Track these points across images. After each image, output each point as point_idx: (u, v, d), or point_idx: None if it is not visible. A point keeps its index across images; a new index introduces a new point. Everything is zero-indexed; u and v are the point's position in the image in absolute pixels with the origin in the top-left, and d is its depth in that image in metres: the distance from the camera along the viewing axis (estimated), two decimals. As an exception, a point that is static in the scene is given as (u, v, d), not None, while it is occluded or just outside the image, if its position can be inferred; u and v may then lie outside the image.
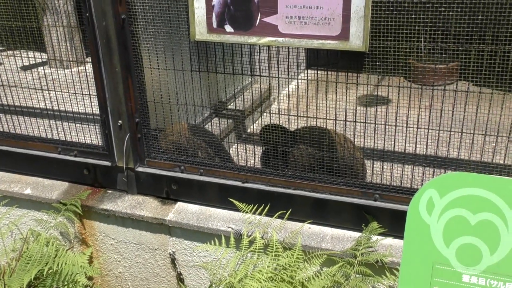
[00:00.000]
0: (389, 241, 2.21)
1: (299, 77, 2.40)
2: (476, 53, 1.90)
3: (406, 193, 2.19)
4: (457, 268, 1.52)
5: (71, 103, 2.77)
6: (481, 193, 1.49)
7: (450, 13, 1.85)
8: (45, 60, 3.68)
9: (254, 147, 2.74)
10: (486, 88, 2.00)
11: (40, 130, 2.87)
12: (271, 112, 2.50)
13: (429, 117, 2.15)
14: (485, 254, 1.49)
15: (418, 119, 2.17)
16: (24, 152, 2.86)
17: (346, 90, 2.21)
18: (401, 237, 1.58)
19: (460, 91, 2.07)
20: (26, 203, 2.81)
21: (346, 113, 2.27)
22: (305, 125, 2.49)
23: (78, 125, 2.78)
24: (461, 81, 2.13)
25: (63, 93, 2.76)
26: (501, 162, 2.17)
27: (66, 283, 2.40)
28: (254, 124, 3.73)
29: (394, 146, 2.30)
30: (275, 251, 2.18)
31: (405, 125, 2.22)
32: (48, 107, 2.84)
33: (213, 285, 2.33)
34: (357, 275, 2.12)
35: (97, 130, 2.77)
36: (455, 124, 2.15)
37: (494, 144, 2.18)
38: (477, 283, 1.49)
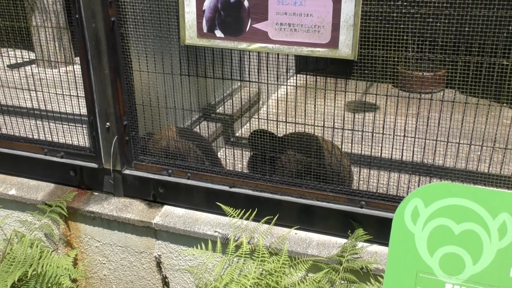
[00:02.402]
0: (375, 248, 2.23)
1: (288, 82, 2.41)
2: (462, 64, 1.93)
3: (392, 201, 2.21)
4: (440, 277, 1.54)
5: (58, 104, 2.75)
6: (465, 203, 1.51)
7: (438, 24, 1.87)
8: (33, 59, 3.65)
9: (242, 151, 2.74)
10: (472, 97, 2.03)
11: (26, 130, 2.84)
12: (260, 117, 2.51)
13: (416, 125, 2.17)
14: (468, 264, 1.51)
15: (405, 127, 2.20)
16: (9, 153, 2.83)
17: (335, 97, 2.23)
18: (387, 244, 1.60)
19: (447, 101, 2.10)
20: (11, 204, 2.78)
21: (334, 120, 2.29)
22: (293, 131, 2.50)
23: (65, 126, 2.76)
24: (447, 89, 2.16)
25: (50, 93, 2.74)
26: (486, 171, 2.20)
27: (50, 285, 2.38)
28: (243, 129, 3.74)
29: (381, 153, 2.32)
30: (261, 256, 2.19)
31: (392, 133, 2.24)
32: (35, 107, 2.82)
33: (199, 290, 2.33)
34: (342, 282, 2.14)
35: (84, 131, 2.75)
36: (441, 133, 2.18)
37: (479, 153, 2.22)
38: (460, 292, 1.51)
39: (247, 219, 2.36)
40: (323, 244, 2.29)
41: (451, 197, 1.52)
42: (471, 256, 1.51)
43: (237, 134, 3.63)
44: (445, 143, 2.18)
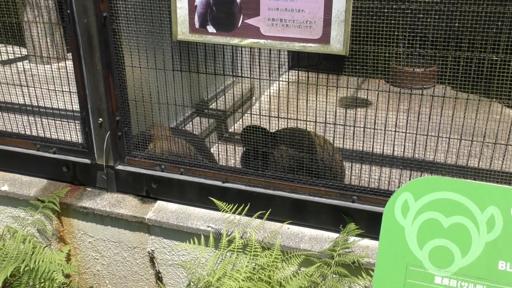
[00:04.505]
0: (366, 242, 2.25)
1: (281, 78, 2.42)
2: (452, 59, 1.95)
3: (383, 195, 2.23)
4: (430, 270, 1.56)
5: (50, 99, 2.75)
6: (454, 196, 1.53)
7: (428, 19, 1.89)
8: (24, 55, 3.63)
9: (234, 147, 2.75)
10: (463, 93, 2.05)
11: (19, 126, 2.84)
12: (253, 113, 2.52)
13: (407, 120, 2.19)
14: (457, 256, 1.54)
15: (396, 122, 2.21)
16: (1, 148, 2.82)
17: (327, 92, 2.24)
18: (378, 239, 1.62)
19: (437, 96, 2.12)
20: (3, 199, 2.78)
21: (326, 115, 2.30)
22: (286, 126, 2.52)
23: (57, 121, 2.76)
24: (438, 85, 2.17)
25: (42, 89, 2.74)
26: (476, 165, 2.23)
27: (42, 280, 2.38)
28: (236, 124, 3.75)
29: (373, 148, 2.34)
30: (253, 251, 2.20)
31: (383, 128, 2.26)
32: (27, 102, 2.81)
33: (192, 284, 2.34)
34: (334, 276, 2.16)
35: (77, 127, 2.75)
36: (432, 127, 2.19)
37: (469, 148, 2.24)
38: (449, 284, 1.53)
39: (239, 214, 2.37)
40: (315, 238, 2.31)
41: (440, 191, 1.54)
42: (460, 249, 1.53)
43: (230, 130, 3.64)
44: (436, 138, 2.20)
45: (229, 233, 2.34)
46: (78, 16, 2.33)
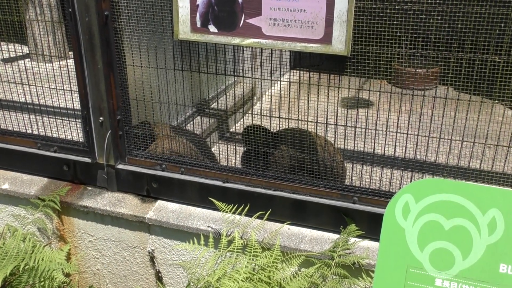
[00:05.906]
0: (367, 243, 2.24)
1: (283, 78, 2.42)
2: (455, 60, 1.94)
3: (384, 197, 2.22)
4: (430, 272, 1.55)
5: (52, 98, 2.74)
6: (455, 199, 1.52)
7: (431, 20, 1.88)
8: (26, 53, 3.63)
9: (235, 147, 2.75)
10: (465, 94, 2.04)
11: (20, 124, 2.83)
12: (254, 112, 2.51)
13: (409, 121, 2.18)
14: (458, 259, 1.53)
15: (398, 123, 2.20)
16: (2, 147, 2.82)
17: (328, 93, 2.24)
18: (379, 240, 1.62)
19: (439, 97, 2.11)
20: (4, 198, 2.78)
21: (327, 116, 2.30)
22: (287, 126, 2.51)
23: (58, 120, 2.76)
24: (441, 86, 2.16)
25: (44, 87, 2.73)
26: (477, 167, 2.22)
27: (42, 279, 2.38)
28: (237, 124, 3.74)
29: (374, 149, 2.33)
30: (253, 251, 2.19)
31: (385, 129, 2.25)
32: (28, 101, 2.81)
33: (191, 284, 2.34)
34: (334, 277, 2.15)
35: (78, 126, 2.74)
36: (434, 129, 2.19)
37: (471, 150, 2.23)
38: (449, 287, 1.53)
39: (239, 214, 2.36)
40: (315, 239, 2.30)
41: (441, 193, 1.53)
42: (461, 251, 1.52)
43: (231, 130, 3.64)
44: (438, 139, 2.19)
45: (229, 233, 2.34)
46: (79, 15, 2.33)
